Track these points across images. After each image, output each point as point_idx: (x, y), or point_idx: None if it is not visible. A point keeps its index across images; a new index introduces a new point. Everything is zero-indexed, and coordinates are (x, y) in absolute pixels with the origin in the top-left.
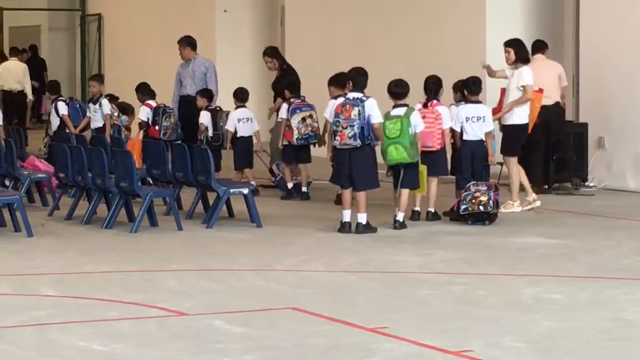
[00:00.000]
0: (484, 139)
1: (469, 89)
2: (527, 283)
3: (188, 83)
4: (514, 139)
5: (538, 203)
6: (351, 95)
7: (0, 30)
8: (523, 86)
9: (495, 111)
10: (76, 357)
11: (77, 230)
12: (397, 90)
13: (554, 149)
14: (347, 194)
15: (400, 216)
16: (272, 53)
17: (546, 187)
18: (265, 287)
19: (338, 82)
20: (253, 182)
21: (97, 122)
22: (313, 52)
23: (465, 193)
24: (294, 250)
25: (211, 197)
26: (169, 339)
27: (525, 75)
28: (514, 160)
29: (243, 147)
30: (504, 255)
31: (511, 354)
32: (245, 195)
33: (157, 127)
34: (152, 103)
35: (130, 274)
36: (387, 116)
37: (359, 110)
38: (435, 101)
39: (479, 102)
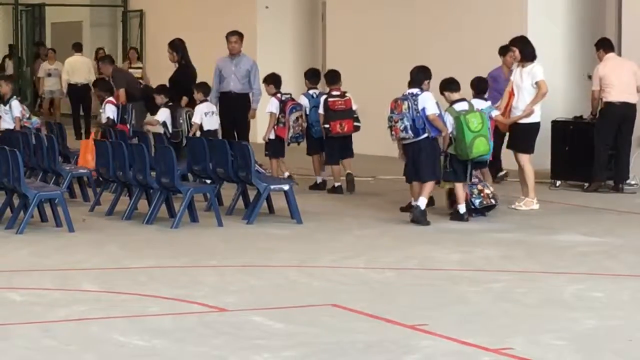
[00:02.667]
0: None
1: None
2: (568, 281)
3: (232, 80)
4: (528, 137)
5: (536, 206)
6: (408, 91)
7: (42, 26)
8: (537, 82)
9: (501, 113)
10: (117, 352)
11: (118, 226)
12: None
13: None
14: (415, 186)
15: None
16: (174, 46)
17: (610, 183)
18: (306, 284)
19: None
20: None
21: (6, 124)
22: (354, 47)
23: (469, 188)
24: (334, 247)
25: (251, 193)
26: (209, 334)
27: (537, 71)
28: (528, 158)
29: None
30: (545, 252)
31: (552, 352)
32: (285, 192)
33: (127, 125)
34: (113, 100)
35: (170, 270)
36: (464, 108)
37: (409, 104)
38: None
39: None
